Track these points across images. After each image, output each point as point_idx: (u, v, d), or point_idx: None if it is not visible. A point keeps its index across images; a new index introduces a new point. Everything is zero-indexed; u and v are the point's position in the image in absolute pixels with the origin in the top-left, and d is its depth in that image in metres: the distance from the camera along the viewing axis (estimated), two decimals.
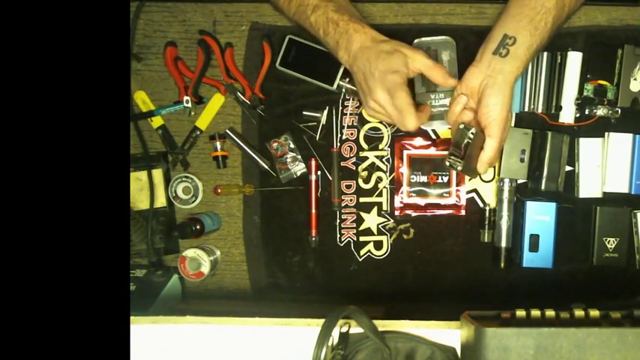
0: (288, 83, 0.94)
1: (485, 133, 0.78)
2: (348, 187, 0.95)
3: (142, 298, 0.91)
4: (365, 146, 0.95)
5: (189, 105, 0.95)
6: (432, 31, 0.91)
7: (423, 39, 0.91)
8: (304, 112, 0.94)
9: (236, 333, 0.71)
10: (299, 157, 0.95)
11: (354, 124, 0.95)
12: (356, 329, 0.67)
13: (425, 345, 0.68)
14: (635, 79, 0.88)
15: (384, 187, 0.95)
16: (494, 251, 0.92)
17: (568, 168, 0.91)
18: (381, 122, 0.94)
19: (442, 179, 0.94)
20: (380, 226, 0.95)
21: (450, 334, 0.69)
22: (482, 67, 0.77)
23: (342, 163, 0.95)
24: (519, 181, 0.92)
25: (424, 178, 0.94)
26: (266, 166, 0.95)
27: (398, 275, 0.95)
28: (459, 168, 0.77)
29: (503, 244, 0.91)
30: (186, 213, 0.97)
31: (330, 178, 0.95)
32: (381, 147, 0.95)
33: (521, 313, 0.63)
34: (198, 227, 0.91)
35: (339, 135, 0.95)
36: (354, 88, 0.90)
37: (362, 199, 0.95)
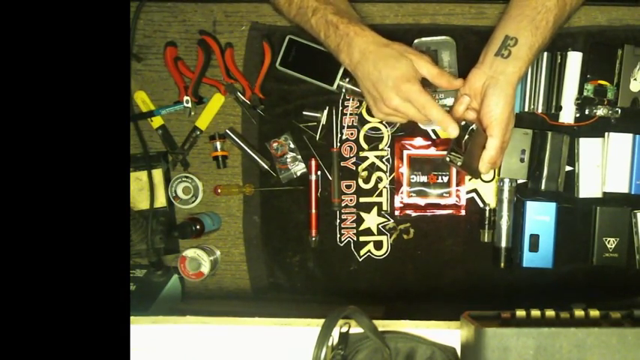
0: (288, 83, 0.94)
1: (487, 132, 0.78)
2: (348, 187, 0.95)
3: (142, 298, 0.91)
4: (365, 146, 0.95)
5: (189, 105, 0.95)
6: (432, 31, 0.91)
7: (423, 39, 0.91)
8: (304, 112, 0.94)
9: (236, 333, 0.71)
10: (299, 157, 0.95)
11: (354, 124, 0.95)
12: (356, 329, 0.67)
13: (425, 345, 0.68)
14: (635, 79, 0.88)
15: (384, 187, 0.95)
16: (494, 251, 0.92)
17: (568, 168, 0.91)
18: (381, 122, 0.94)
19: (442, 179, 0.94)
20: (380, 226, 0.95)
21: (450, 334, 0.69)
22: (484, 68, 0.77)
23: (342, 163, 0.95)
24: (519, 181, 0.92)
25: (424, 178, 0.94)
26: (266, 166, 0.95)
27: (398, 275, 0.95)
28: (459, 163, 0.78)
29: (503, 244, 0.91)
30: (186, 213, 0.97)
31: (330, 178, 0.95)
32: (381, 147, 0.95)
33: (521, 313, 0.63)
34: (198, 227, 0.91)
35: (339, 135, 0.95)
36: (355, 89, 0.90)
37: (362, 199, 0.95)
